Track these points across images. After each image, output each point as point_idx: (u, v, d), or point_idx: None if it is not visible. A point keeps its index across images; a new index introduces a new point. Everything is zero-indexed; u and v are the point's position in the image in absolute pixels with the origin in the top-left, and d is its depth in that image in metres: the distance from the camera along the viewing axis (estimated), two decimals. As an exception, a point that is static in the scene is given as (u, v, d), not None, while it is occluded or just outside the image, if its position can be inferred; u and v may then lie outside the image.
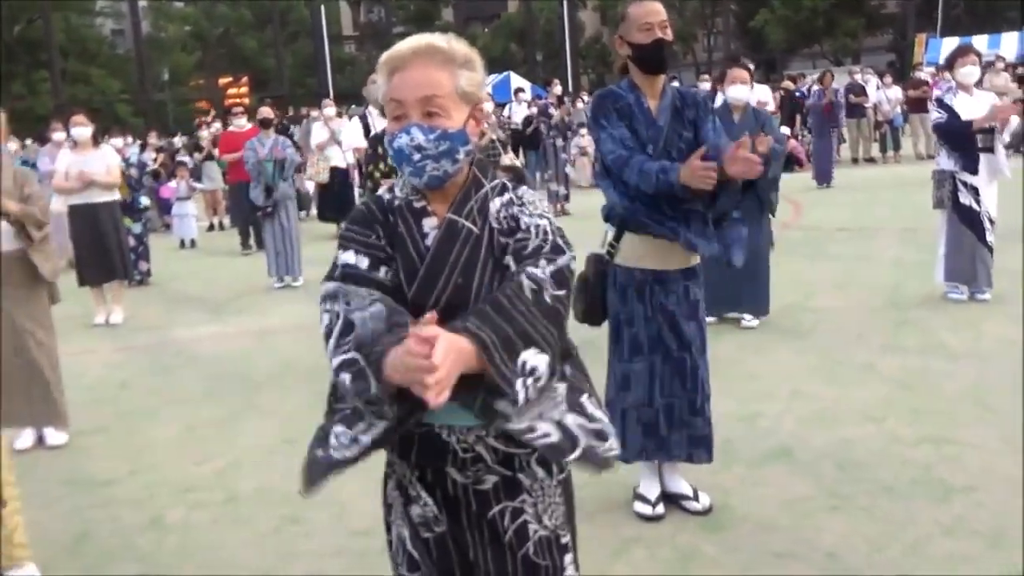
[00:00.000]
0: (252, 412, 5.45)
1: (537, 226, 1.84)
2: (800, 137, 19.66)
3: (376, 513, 3.94)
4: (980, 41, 27.11)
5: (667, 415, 3.56)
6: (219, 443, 5.01)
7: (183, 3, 49.39)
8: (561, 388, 1.81)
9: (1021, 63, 23.50)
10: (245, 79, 40.19)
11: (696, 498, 3.72)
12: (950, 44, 28.94)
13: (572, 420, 1.78)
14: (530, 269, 1.76)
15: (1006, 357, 5.42)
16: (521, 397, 1.67)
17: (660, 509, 3.68)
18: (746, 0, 44.24)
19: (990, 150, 6.51)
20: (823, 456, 4.19)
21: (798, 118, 19.34)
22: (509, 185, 1.91)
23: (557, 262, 1.79)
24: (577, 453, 1.77)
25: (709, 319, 6.41)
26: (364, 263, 1.84)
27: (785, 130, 18.98)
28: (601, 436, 1.82)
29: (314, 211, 15.45)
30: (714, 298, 6.51)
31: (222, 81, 41.86)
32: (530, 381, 1.67)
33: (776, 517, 3.62)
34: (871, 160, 18.51)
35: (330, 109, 13.12)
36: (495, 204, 1.87)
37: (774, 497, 3.80)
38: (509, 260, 1.82)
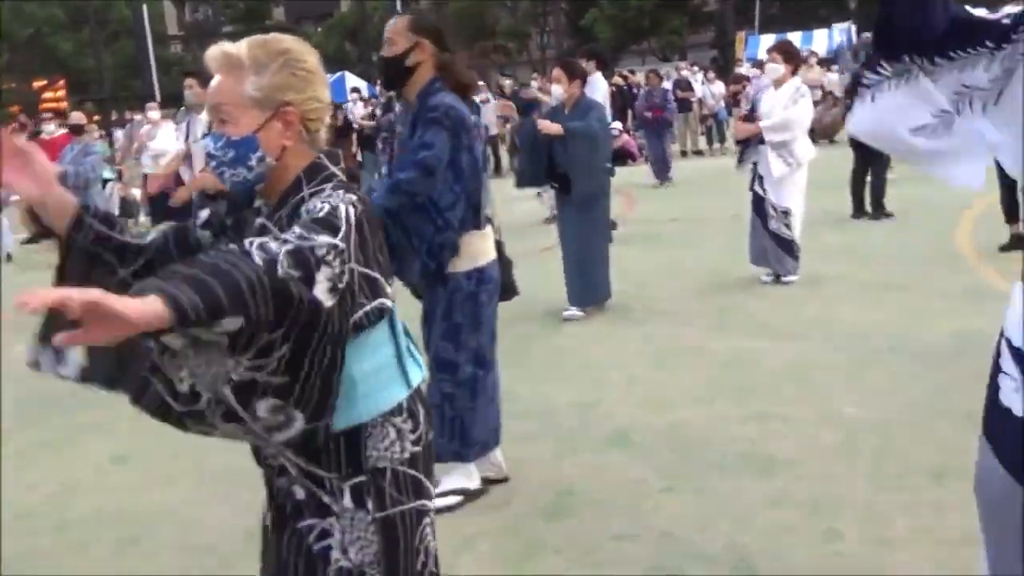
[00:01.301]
0: (80, 432, 5.21)
1: (315, 207, 1.73)
2: (632, 132, 20.31)
3: (220, 525, 3.88)
4: (794, 38, 28.67)
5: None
6: (48, 467, 4.77)
7: (-12, 2, 46.38)
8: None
9: (830, 58, 25.00)
10: (62, 82, 38.07)
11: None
12: (767, 41, 30.47)
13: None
14: (266, 240, 1.60)
15: (822, 335, 5.81)
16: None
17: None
18: (576, -1, 45.42)
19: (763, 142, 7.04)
20: (658, 439, 4.38)
21: (630, 113, 19.98)
22: (326, 188, 1.83)
23: (311, 239, 1.62)
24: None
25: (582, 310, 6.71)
26: None
27: (617, 125, 19.59)
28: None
29: (143, 218, 14.84)
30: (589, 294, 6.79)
31: (36, 84, 39.51)
32: None
33: (615, 501, 3.76)
34: (699, 152, 19.33)
35: (154, 112, 12.59)
36: (304, 207, 1.80)
37: (613, 482, 3.95)
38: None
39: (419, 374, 2.01)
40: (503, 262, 3.96)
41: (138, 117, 16.94)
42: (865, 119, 2.10)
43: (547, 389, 5.21)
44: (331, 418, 1.75)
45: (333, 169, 1.90)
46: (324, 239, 1.63)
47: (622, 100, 20.79)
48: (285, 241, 1.60)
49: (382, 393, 1.89)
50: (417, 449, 1.94)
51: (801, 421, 4.46)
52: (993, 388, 2.10)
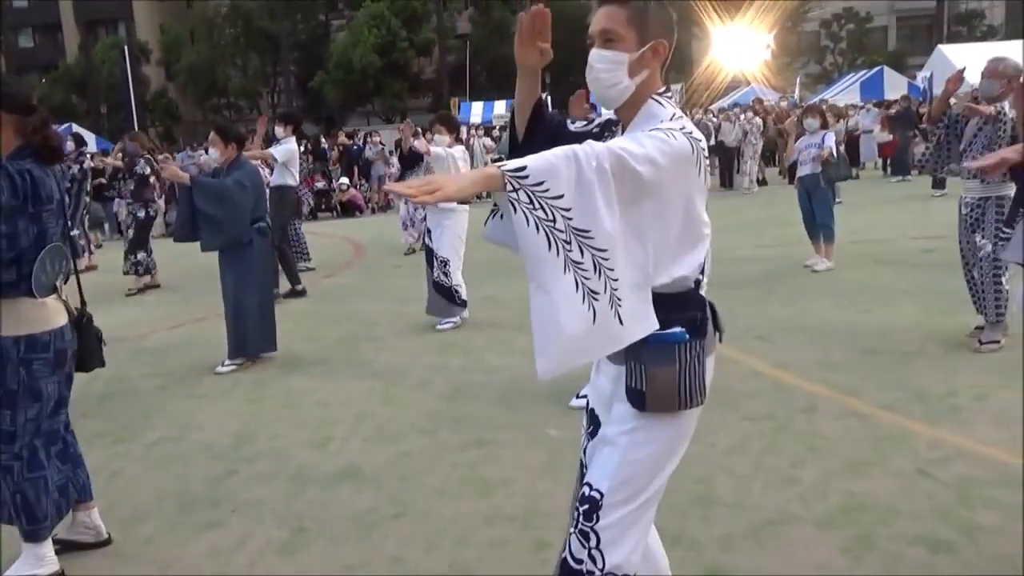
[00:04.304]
0: None
1: None
2: (359, 186, 20.36)
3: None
4: (500, 105, 30.04)
5: None
6: None
7: None
8: None
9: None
10: None
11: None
12: (477, 107, 31.66)
13: None
14: None
15: (529, 364, 6.01)
16: None
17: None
18: (304, 62, 45.12)
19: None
20: (386, 470, 4.32)
21: (356, 169, 20.06)
22: None
23: None
24: None
25: (237, 361, 6.39)
26: None
27: (344, 180, 19.62)
28: None
29: None
30: (238, 346, 6.44)
31: None
32: None
33: (346, 532, 3.66)
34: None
35: None
36: None
37: (344, 514, 3.84)
38: None
39: None
40: (86, 333, 3.55)
41: None
42: (495, 232, 2.25)
43: (281, 430, 5.01)
44: None
45: None
46: None
47: (349, 157, 20.86)
48: None
49: None
50: None
51: (513, 445, 4.58)
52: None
